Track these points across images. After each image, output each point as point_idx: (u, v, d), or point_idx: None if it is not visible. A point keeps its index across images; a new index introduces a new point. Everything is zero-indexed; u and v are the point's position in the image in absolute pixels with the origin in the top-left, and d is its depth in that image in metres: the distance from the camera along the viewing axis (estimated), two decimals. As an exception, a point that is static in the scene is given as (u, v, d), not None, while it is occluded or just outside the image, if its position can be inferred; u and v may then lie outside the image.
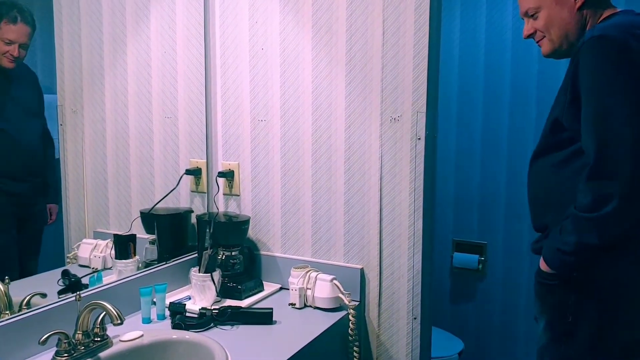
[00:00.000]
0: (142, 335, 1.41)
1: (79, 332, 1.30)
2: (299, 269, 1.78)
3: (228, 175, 1.98)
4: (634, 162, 1.25)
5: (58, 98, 1.60)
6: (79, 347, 1.30)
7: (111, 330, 1.37)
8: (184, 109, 1.95)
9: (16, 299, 1.39)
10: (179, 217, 1.95)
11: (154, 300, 1.65)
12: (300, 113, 1.84)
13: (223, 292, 1.78)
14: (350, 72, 1.75)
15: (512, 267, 2.81)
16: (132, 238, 1.73)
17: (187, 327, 1.53)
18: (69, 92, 1.63)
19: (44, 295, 1.45)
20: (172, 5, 1.90)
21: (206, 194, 2.00)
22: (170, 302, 1.67)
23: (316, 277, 1.75)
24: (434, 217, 1.79)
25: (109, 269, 1.68)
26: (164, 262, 1.82)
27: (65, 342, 1.27)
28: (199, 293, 1.72)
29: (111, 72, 1.76)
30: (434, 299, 1.93)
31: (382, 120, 1.72)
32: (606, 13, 1.42)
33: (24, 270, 1.51)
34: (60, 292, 1.51)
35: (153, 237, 1.84)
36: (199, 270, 1.74)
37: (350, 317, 1.70)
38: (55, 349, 1.28)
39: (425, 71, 1.65)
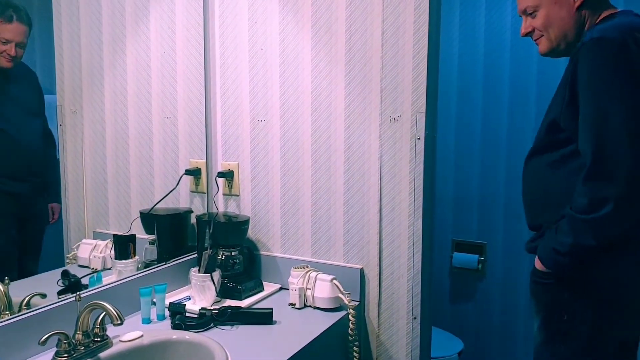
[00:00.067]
0: (142, 336, 1.41)
1: (78, 332, 1.30)
2: (298, 269, 1.78)
3: (228, 175, 1.98)
4: (631, 164, 1.25)
5: (57, 98, 1.60)
6: (79, 347, 1.30)
7: (111, 331, 1.37)
8: (184, 109, 1.95)
9: (16, 299, 1.39)
10: (179, 218, 1.95)
11: (154, 300, 1.65)
12: (300, 113, 1.84)
13: (223, 292, 1.77)
14: (350, 72, 1.75)
15: (512, 267, 2.81)
16: (132, 238, 1.73)
17: (187, 327, 1.53)
18: (68, 93, 1.63)
19: (43, 296, 1.45)
20: (171, 6, 1.90)
21: (206, 194, 2.00)
22: (170, 303, 1.67)
23: (316, 277, 1.75)
24: (434, 217, 1.79)
25: (109, 269, 1.68)
26: (164, 263, 1.82)
27: (65, 343, 1.27)
28: (199, 293, 1.72)
29: (111, 72, 1.76)
30: (434, 298, 1.93)
31: (382, 120, 1.72)
32: (605, 13, 1.42)
33: (25, 270, 1.51)
34: (60, 293, 1.51)
35: (153, 237, 1.84)
36: (199, 270, 1.74)
37: (350, 317, 1.70)
38: (55, 349, 1.28)
39: (425, 71, 1.65)
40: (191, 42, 1.94)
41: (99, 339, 1.33)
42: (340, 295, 1.72)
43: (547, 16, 1.44)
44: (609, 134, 1.27)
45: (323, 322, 1.65)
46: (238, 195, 1.99)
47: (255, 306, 1.75)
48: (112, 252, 1.68)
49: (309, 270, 1.78)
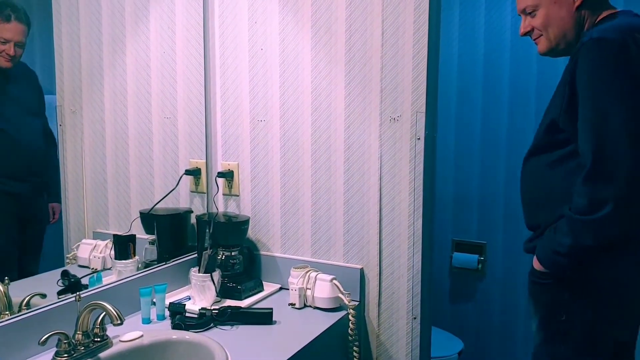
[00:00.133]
0: (142, 336, 1.41)
1: (78, 332, 1.30)
2: (298, 269, 1.78)
3: (227, 175, 1.98)
4: (630, 165, 1.25)
5: (57, 98, 1.60)
6: (78, 347, 1.30)
7: (111, 331, 1.37)
8: (184, 109, 1.95)
9: (16, 299, 1.39)
10: (179, 218, 1.95)
11: (154, 300, 1.65)
12: (300, 113, 1.84)
13: (223, 292, 1.77)
14: (350, 72, 1.75)
15: (512, 267, 2.81)
16: (132, 238, 1.73)
17: (187, 327, 1.53)
18: (68, 93, 1.63)
19: (43, 296, 1.45)
20: (171, 6, 1.90)
21: (206, 194, 2.00)
22: (170, 303, 1.67)
23: (316, 277, 1.75)
24: (434, 217, 1.79)
25: (109, 269, 1.68)
26: (164, 263, 1.82)
27: (65, 343, 1.27)
28: (199, 293, 1.72)
29: (110, 72, 1.76)
30: (434, 298, 1.93)
31: (382, 120, 1.72)
32: (605, 13, 1.42)
33: (26, 270, 1.51)
34: (59, 293, 1.51)
35: (153, 237, 1.84)
36: (199, 270, 1.74)
37: (350, 317, 1.70)
38: (55, 349, 1.28)
39: (425, 71, 1.65)
40: (191, 42, 1.94)
41: (99, 339, 1.33)
42: (340, 295, 1.72)
43: (546, 15, 1.44)
44: (608, 134, 1.27)
45: (323, 322, 1.65)
46: (238, 195, 1.99)
47: (255, 306, 1.75)
48: (112, 252, 1.68)
49: (309, 270, 1.78)
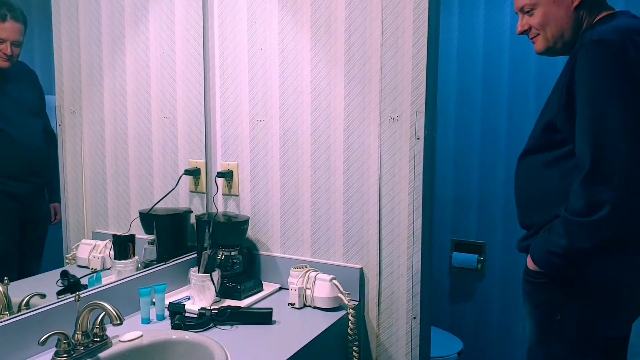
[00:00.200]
0: (141, 336, 1.41)
1: (78, 332, 1.30)
2: (298, 269, 1.78)
3: (227, 175, 1.98)
4: (628, 168, 1.25)
5: (57, 99, 1.60)
6: (78, 347, 1.30)
7: (110, 331, 1.37)
8: (183, 110, 1.95)
9: (15, 299, 1.39)
10: (178, 218, 1.95)
11: (153, 300, 1.65)
12: (299, 113, 1.84)
13: (222, 292, 1.77)
14: (349, 72, 1.75)
15: (511, 267, 2.81)
16: (131, 238, 1.73)
17: (187, 327, 1.53)
18: (67, 93, 1.63)
19: (43, 296, 1.45)
20: (170, 6, 1.90)
21: (205, 194, 2.00)
22: (169, 302, 1.67)
23: (315, 276, 1.75)
24: (433, 217, 1.79)
25: (108, 269, 1.68)
26: (163, 263, 1.82)
27: (64, 343, 1.27)
28: (199, 293, 1.72)
29: (110, 72, 1.76)
30: (433, 298, 1.93)
31: (381, 120, 1.72)
32: (603, 14, 1.42)
33: (27, 271, 1.51)
34: (59, 293, 1.51)
35: (152, 237, 1.84)
36: (198, 270, 1.74)
37: (350, 316, 1.70)
38: (54, 349, 1.28)
39: (424, 71, 1.65)
40: (190, 42, 1.94)
41: (98, 339, 1.33)
42: (340, 295, 1.72)
43: (544, 15, 1.44)
44: (607, 135, 1.27)
45: (322, 321, 1.65)
46: (237, 195, 1.99)
47: (254, 306, 1.75)
48: (112, 252, 1.68)
49: (309, 270, 1.78)
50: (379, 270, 1.78)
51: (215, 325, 1.58)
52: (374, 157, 1.74)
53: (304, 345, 1.48)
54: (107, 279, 1.65)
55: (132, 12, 1.82)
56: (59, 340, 1.27)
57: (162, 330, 1.54)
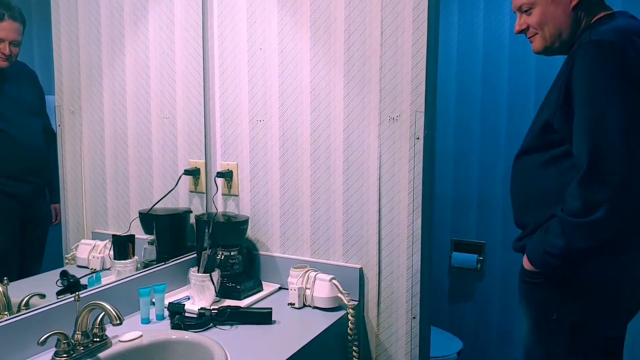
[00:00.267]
0: (141, 336, 1.41)
1: (78, 332, 1.30)
2: (298, 269, 1.78)
3: (227, 175, 1.98)
4: (626, 168, 1.25)
5: (56, 99, 1.60)
6: (78, 347, 1.29)
7: (110, 331, 1.37)
8: (183, 110, 1.95)
9: (15, 299, 1.39)
10: (178, 218, 1.95)
11: (153, 300, 1.65)
12: (299, 113, 1.84)
13: (222, 292, 1.77)
14: (349, 72, 1.75)
15: (511, 267, 2.81)
16: (131, 238, 1.73)
17: (186, 327, 1.53)
18: (67, 93, 1.63)
19: (42, 296, 1.45)
20: (170, 6, 1.90)
21: (205, 194, 1.99)
22: (169, 303, 1.67)
23: (315, 276, 1.75)
24: (433, 217, 1.79)
25: (108, 269, 1.68)
26: (163, 263, 1.82)
27: (64, 343, 1.27)
28: (198, 293, 1.72)
29: (109, 72, 1.76)
30: (433, 298, 1.93)
31: (381, 119, 1.72)
32: (601, 14, 1.42)
33: (27, 271, 1.51)
34: (59, 293, 1.51)
35: (152, 237, 1.84)
36: (198, 270, 1.74)
37: (350, 316, 1.70)
38: (54, 349, 1.28)
39: (424, 71, 1.65)
40: (190, 42, 1.94)
41: (98, 339, 1.33)
42: (340, 294, 1.72)
43: (542, 14, 1.44)
44: (605, 135, 1.27)
45: (322, 321, 1.65)
46: (237, 195, 1.99)
47: (254, 306, 1.75)
48: (111, 252, 1.68)
49: (308, 270, 1.78)
50: (378, 270, 1.78)
51: (215, 325, 1.58)
52: (374, 157, 1.74)
53: (304, 345, 1.48)
54: (107, 279, 1.65)
55: (131, 12, 1.82)
56: (58, 340, 1.27)
57: (162, 330, 1.54)
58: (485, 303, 2.93)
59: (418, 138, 1.68)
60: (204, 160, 1.98)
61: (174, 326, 1.54)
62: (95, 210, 1.73)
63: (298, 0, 1.80)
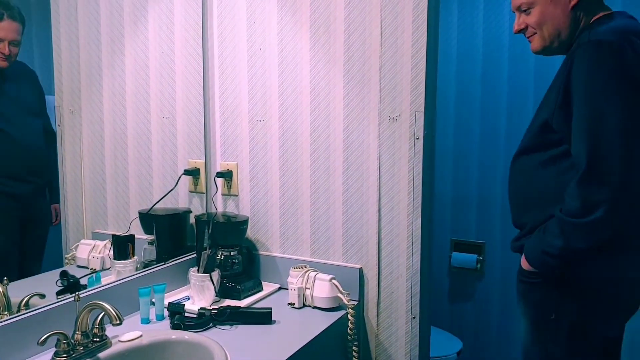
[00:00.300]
0: (141, 336, 1.41)
1: (78, 332, 1.30)
2: (297, 269, 1.78)
3: (226, 175, 1.98)
4: (624, 168, 1.25)
5: (56, 99, 1.60)
6: (78, 347, 1.30)
7: (110, 331, 1.37)
8: (182, 110, 1.95)
9: (15, 299, 1.39)
10: (178, 218, 1.95)
11: (153, 300, 1.65)
12: (299, 113, 1.84)
13: (222, 292, 1.78)
14: (349, 72, 1.75)
15: (511, 267, 2.79)
16: (131, 238, 1.73)
17: (186, 327, 1.53)
18: (66, 93, 1.63)
19: (42, 296, 1.45)
20: (170, 6, 1.90)
21: (205, 194, 2.00)
22: (169, 303, 1.67)
23: (315, 276, 1.75)
24: (433, 217, 1.79)
25: (108, 269, 1.68)
26: (163, 263, 1.82)
27: (64, 343, 1.27)
28: (198, 293, 1.72)
29: (109, 72, 1.76)
30: (433, 298, 1.93)
31: (381, 119, 1.72)
32: (600, 14, 1.42)
33: (27, 271, 1.51)
34: (58, 293, 1.51)
35: (152, 237, 1.84)
36: (198, 270, 1.74)
37: (349, 316, 1.70)
38: (54, 349, 1.28)
39: (424, 71, 1.65)
40: (190, 42, 1.94)
41: (98, 339, 1.33)
42: (339, 294, 1.72)
43: (541, 13, 1.44)
44: (604, 135, 1.27)
45: (322, 321, 1.65)
46: (237, 195, 1.99)
47: (254, 306, 1.75)
48: (111, 252, 1.68)
49: (308, 270, 1.78)
50: (378, 270, 1.78)
51: (214, 325, 1.59)
52: (374, 157, 1.74)
53: (304, 345, 1.49)
54: (107, 279, 1.65)
55: (131, 12, 1.82)
56: (58, 340, 1.27)
57: (162, 330, 1.54)
58: (485, 303, 2.93)
59: (418, 138, 1.68)
60: (203, 160, 1.98)
61: (174, 326, 1.54)
62: (95, 210, 1.73)
63: (298, 0, 1.80)
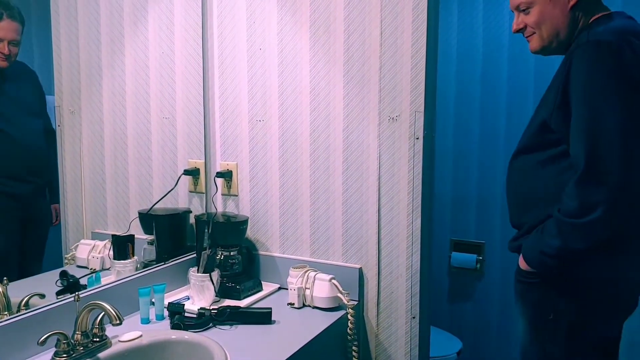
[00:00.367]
0: (141, 336, 1.41)
1: (77, 332, 1.30)
2: (297, 269, 1.78)
3: (226, 175, 1.98)
4: (623, 169, 1.25)
5: (56, 99, 1.60)
6: (78, 347, 1.30)
7: (110, 331, 1.37)
8: (182, 110, 1.95)
9: (15, 299, 1.39)
10: (178, 218, 1.95)
11: (153, 300, 1.65)
12: (298, 113, 1.84)
13: (222, 292, 1.78)
14: (348, 72, 1.75)
15: (510, 267, 2.77)
16: (131, 239, 1.73)
17: (186, 327, 1.53)
18: (66, 93, 1.63)
19: (42, 296, 1.45)
20: (170, 6, 1.90)
21: (204, 194, 2.00)
22: (169, 303, 1.67)
23: (315, 276, 1.75)
24: (432, 217, 1.79)
25: (108, 269, 1.68)
26: (163, 263, 1.82)
27: (64, 343, 1.27)
28: (198, 293, 1.72)
29: (109, 72, 1.76)
30: (433, 298, 1.93)
31: (380, 119, 1.72)
32: (599, 14, 1.42)
33: (27, 271, 1.51)
34: (58, 293, 1.51)
35: (151, 237, 1.84)
36: (198, 270, 1.74)
37: (349, 316, 1.70)
38: (54, 349, 1.28)
39: (423, 71, 1.65)
40: (189, 42, 1.94)
41: (97, 339, 1.33)
42: (339, 294, 1.72)
43: (540, 13, 1.44)
44: (602, 135, 1.27)
45: (322, 321, 1.65)
46: (237, 195, 1.99)
47: (254, 306, 1.75)
48: (111, 252, 1.68)
49: (308, 270, 1.78)
50: (378, 270, 1.78)
51: (214, 325, 1.59)
52: (373, 157, 1.74)
53: (304, 345, 1.49)
54: (107, 279, 1.65)
55: (131, 12, 1.82)
56: (58, 340, 1.27)
57: (162, 330, 1.54)
58: (484, 303, 2.93)
59: (417, 138, 1.68)
60: (203, 160, 1.99)
61: (174, 326, 1.54)
62: (94, 210, 1.73)
63: (298, 0, 1.80)
